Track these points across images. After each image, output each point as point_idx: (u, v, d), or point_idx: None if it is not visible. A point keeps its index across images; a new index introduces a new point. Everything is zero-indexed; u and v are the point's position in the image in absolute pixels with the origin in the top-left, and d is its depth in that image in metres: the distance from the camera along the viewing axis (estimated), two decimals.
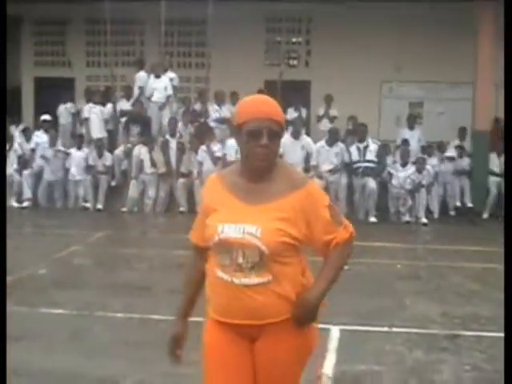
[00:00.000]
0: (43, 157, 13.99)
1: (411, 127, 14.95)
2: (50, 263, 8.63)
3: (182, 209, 13.41)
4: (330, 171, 13.20)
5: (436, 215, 13.49)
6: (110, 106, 14.85)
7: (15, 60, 16.17)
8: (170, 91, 14.39)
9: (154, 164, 13.63)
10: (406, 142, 14.19)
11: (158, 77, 14.39)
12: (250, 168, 2.71)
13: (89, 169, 13.83)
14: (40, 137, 14.30)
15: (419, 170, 13.15)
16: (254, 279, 2.63)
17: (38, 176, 14.01)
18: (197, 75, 16.25)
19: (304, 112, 15.21)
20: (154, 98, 14.38)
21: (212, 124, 14.35)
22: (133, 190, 13.58)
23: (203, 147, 13.48)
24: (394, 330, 6.11)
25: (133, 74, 15.12)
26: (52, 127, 14.59)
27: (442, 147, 14.46)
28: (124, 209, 13.44)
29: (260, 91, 14.85)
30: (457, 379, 4.98)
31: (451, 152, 14.30)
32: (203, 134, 13.76)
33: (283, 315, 2.68)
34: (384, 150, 13.72)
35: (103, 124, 14.80)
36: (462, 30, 14.51)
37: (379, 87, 16.34)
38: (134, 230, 12.35)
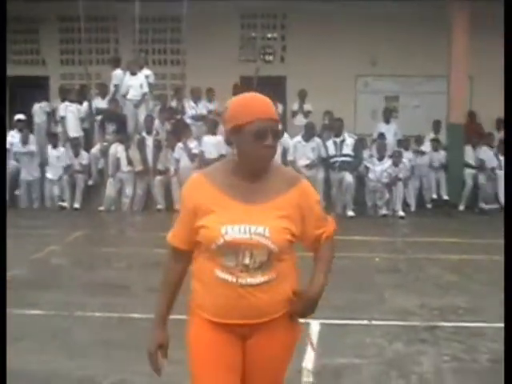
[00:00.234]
0: (16, 156, 13.90)
1: (387, 121, 15.04)
2: (27, 264, 8.57)
3: (159, 206, 13.38)
4: (307, 166, 13.23)
5: (413, 208, 13.59)
6: (86, 104, 14.77)
7: None
8: (145, 89, 14.33)
9: (130, 162, 13.57)
10: (382, 135, 14.27)
11: (133, 74, 14.32)
12: (251, 168, 2.67)
13: (65, 168, 13.75)
14: (14, 136, 14.15)
15: (396, 164, 13.23)
16: (259, 278, 2.64)
17: (13, 176, 13.90)
18: (172, 72, 16.20)
19: (280, 108, 15.22)
20: (129, 96, 14.32)
21: (188, 121, 14.33)
22: (110, 189, 13.52)
23: (180, 144, 13.45)
24: (374, 322, 6.15)
25: (108, 71, 15.04)
26: (26, 126, 14.47)
27: (419, 141, 14.55)
28: (101, 208, 13.38)
29: (236, 86, 14.91)
30: (436, 370, 5.02)
31: (427, 145, 14.40)
32: (180, 131, 13.73)
33: (280, 311, 2.72)
34: (360, 144, 13.78)
35: (79, 123, 14.71)
36: (435, 23, 14.57)
37: (355, 82, 16.40)
38: (111, 228, 12.30)
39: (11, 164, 13.94)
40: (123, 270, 8.43)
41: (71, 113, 14.54)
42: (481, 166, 14.00)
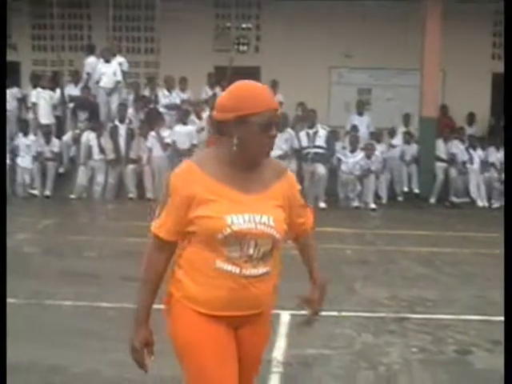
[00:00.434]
0: None
1: (360, 113, 15.11)
2: None
3: (131, 195, 13.34)
4: (280, 157, 13.22)
5: (384, 200, 13.69)
6: (58, 91, 14.62)
7: None
8: (119, 77, 14.24)
9: (102, 150, 13.49)
10: (355, 128, 14.33)
11: (107, 62, 14.22)
12: (252, 158, 2.64)
13: (36, 156, 13.62)
14: None
15: (368, 156, 13.31)
16: (262, 269, 2.63)
17: None
18: (146, 60, 16.12)
19: None
20: (102, 84, 14.22)
21: (162, 110, 14.26)
22: (81, 177, 13.44)
23: (152, 133, 13.40)
24: (344, 314, 6.19)
25: (81, 58, 14.93)
26: None
27: (392, 134, 14.65)
28: (72, 196, 13.29)
29: (210, 76, 14.89)
30: (404, 361, 5.08)
31: (398, 138, 14.50)
32: (153, 120, 13.68)
33: (269, 303, 2.75)
34: (333, 136, 13.84)
35: (51, 110, 14.57)
36: (409, 17, 14.67)
37: (328, 73, 16.44)
38: (82, 217, 12.23)
39: None
40: (94, 258, 8.39)
41: (43, 99, 14.39)
42: (452, 160, 14.14)
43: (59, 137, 14.09)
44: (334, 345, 5.37)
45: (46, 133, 13.79)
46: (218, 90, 14.86)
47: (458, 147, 14.23)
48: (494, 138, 14.65)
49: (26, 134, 13.80)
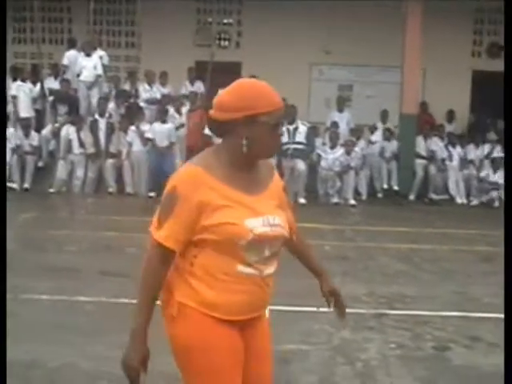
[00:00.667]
0: None
1: (340, 110, 15.15)
2: None
3: (110, 189, 13.28)
4: None
5: (364, 197, 13.73)
6: (39, 84, 14.52)
7: None
8: (99, 71, 14.16)
9: (82, 144, 13.42)
10: (335, 124, 14.36)
11: (87, 55, 14.13)
12: (260, 158, 2.60)
13: (15, 148, 13.50)
14: None
15: (348, 153, 13.35)
16: (273, 268, 2.62)
17: None
18: (126, 54, 16.05)
19: None
20: (82, 77, 14.13)
21: (142, 104, 14.21)
22: (61, 171, 13.35)
23: (132, 128, 13.35)
24: (322, 310, 6.19)
25: (61, 51, 14.81)
26: None
27: (373, 130, 14.70)
28: (52, 189, 13.20)
29: (190, 71, 14.86)
30: (382, 357, 5.10)
31: (378, 135, 14.57)
32: (133, 115, 13.63)
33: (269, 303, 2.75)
34: (313, 132, 13.86)
35: (31, 103, 14.46)
36: (390, 14, 14.70)
37: (309, 70, 16.46)
38: (61, 211, 12.15)
39: None
40: (73, 252, 8.34)
41: (23, 92, 14.28)
42: (431, 157, 14.21)
43: (38, 130, 13.99)
44: (312, 340, 5.38)
45: (25, 126, 13.68)
46: (198, 84, 14.86)
47: (437, 144, 14.31)
48: (474, 136, 14.76)
49: None
